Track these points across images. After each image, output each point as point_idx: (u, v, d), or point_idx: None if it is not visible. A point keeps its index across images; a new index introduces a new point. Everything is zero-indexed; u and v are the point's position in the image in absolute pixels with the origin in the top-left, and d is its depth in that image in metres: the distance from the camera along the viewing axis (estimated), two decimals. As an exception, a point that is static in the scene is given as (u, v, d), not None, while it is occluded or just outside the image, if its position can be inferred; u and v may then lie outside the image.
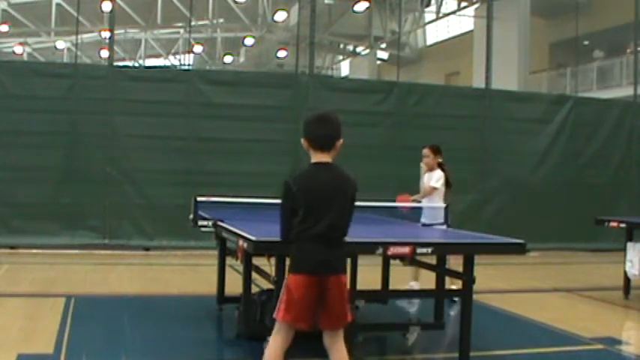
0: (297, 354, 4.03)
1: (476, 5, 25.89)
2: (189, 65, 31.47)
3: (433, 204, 6.94)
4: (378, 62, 35.29)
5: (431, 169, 7.25)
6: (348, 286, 3.68)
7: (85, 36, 28.56)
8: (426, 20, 30.77)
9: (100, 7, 24.66)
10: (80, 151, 10.30)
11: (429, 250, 4.45)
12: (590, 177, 12.29)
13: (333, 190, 3.55)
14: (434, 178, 7.14)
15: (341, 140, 3.61)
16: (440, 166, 7.24)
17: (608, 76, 21.96)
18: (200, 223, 5.61)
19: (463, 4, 26.95)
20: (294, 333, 3.60)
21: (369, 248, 4.28)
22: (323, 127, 3.62)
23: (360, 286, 6.31)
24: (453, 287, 6.05)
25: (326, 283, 3.50)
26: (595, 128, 12.44)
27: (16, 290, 7.22)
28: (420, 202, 7.16)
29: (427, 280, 5.64)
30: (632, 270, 7.40)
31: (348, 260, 6.44)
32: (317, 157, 3.62)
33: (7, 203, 10.06)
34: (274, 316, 3.60)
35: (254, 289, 5.19)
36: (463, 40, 29.80)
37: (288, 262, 3.69)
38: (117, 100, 10.36)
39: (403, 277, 7.09)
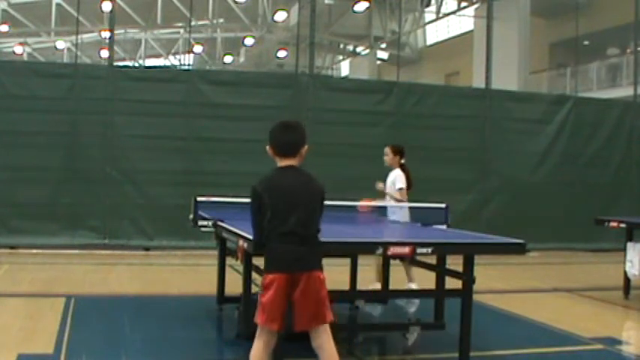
0: (294, 354, 4.03)
1: (476, 5, 25.88)
2: (189, 65, 31.45)
3: (399, 204, 7.22)
4: (378, 62, 35.28)
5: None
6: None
7: (85, 36, 28.55)
8: (426, 20, 30.77)
9: (100, 7, 24.64)
10: (80, 151, 10.31)
11: (429, 250, 4.45)
12: (590, 177, 12.29)
13: (298, 188, 3.62)
14: (398, 181, 7.34)
15: (306, 147, 3.69)
16: (401, 166, 7.46)
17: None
18: (200, 223, 5.62)
19: (463, 4, 26.94)
20: (276, 336, 3.59)
21: (369, 248, 4.28)
22: (286, 135, 3.70)
23: (359, 287, 6.32)
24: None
25: (297, 280, 3.50)
26: (595, 128, 12.44)
27: (16, 290, 7.22)
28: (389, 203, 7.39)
29: (427, 280, 5.64)
30: (632, 270, 7.40)
31: (349, 260, 6.49)
32: (282, 163, 3.70)
33: (7, 203, 10.07)
34: (254, 320, 3.58)
35: (254, 289, 5.19)
36: (463, 40, 29.79)
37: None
38: (117, 100, 10.37)
39: (403, 277, 7.09)
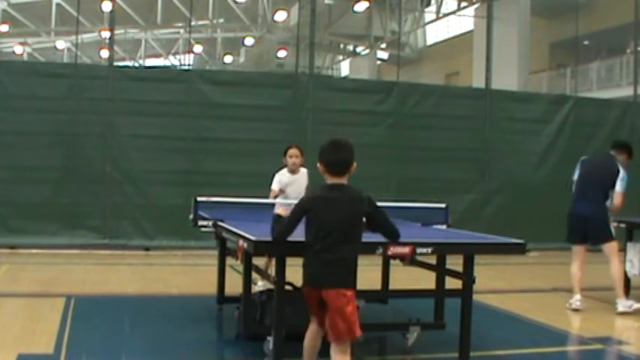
0: (295, 354, 4.04)
1: (476, 5, 25.87)
2: (189, 65, 31.45)
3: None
4: (378, 62, 35.29)
5: (293, 172, 7.07)
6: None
7: (85, 36, 28.55)
8: (426, 20, 30.77)
9: (100, 7, 24.65)
10: (80, 151, 10.30)
11: (429, 250, 4.46)
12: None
13: (341, 209, 3.73)
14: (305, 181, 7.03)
15: (355, 165, 3.82)
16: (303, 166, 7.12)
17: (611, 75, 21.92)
18: (200, 223, 5.62)
19: (463, 4, 26.94)
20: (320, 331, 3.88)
21: (369, 248, 4.27)
22: (338, 154, 3.83)
23: (359, 286, 6.32)
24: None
25: (324, 294, 3.70)
26: (595, 128, 12.43)
27: (16, 290, 7.23)
28: None
29: (427, 280, 5.64)
30: (632, 270, 7.39)
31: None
32: (332, 180, 3.81)
33: (7, 203, 10.06)
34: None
35: (254, 289, 5.19)
36: (463, 40, 29.78)
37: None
38: (117, 100, 10.36)
39: (404, 277, 7.08)
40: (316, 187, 3.98)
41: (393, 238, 4.06)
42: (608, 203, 6.93)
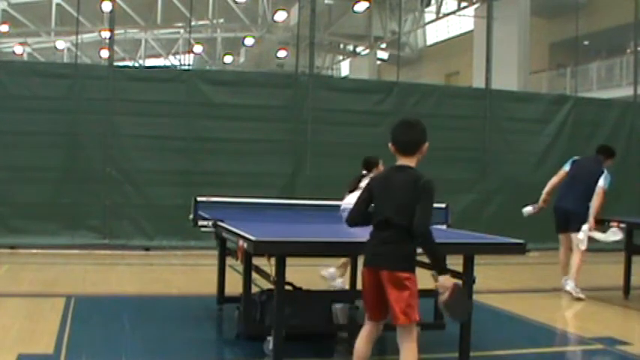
0: (295, 354, 4.03)
1: (476, 5, 25.86)
2: (189, 65, 31.44)
3: None
4: (378, 62, 35.28)
5: None
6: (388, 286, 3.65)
7: (85, 36, 28.51)
8: (426, 20, 30.74)
9: (100, 7, 24.63)
10: (80, 151, 10.31)
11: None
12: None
13: (396, 188, 3.70)
14: None
15: (426, 144, 3.83)
16: None
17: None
18: (200, 223, 5.62)
19: (463, 4, 26.92)
20: (377, 325, 3.77)
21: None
22: (407, 134, 3.83)
23: (360, 286, 6.32)
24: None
25: (379, 276, 3.64)
26: (595, 128, 12.42)
27: (16, 290, 7.22)
28: None
29: (427, 280, 5.63)
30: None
31: (349, 260, 6.49)
32: (400, 161, 3.81)
33: (7, 203, 10.06)
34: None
35: (254, 289, 5.19)
36: (463, 40, 29.77)
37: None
38: (117, 100, 10.36)
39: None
40: (386, 167, 4.01)
41: (418, 232, 3.61)
42: (591, 202, 7.70)
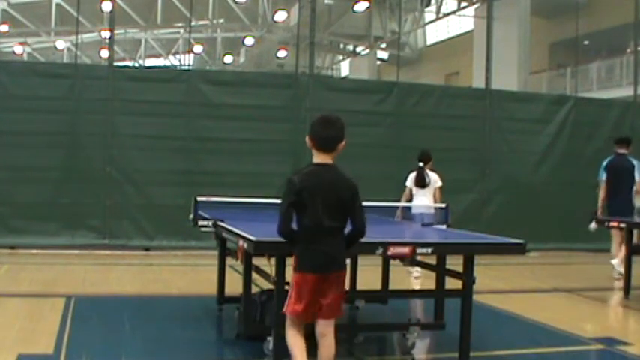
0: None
1: (476, 5, 25.88)
2: (189, 65, 31.46)
3: None
4: (378, 62, 35.30)
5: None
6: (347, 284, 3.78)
7: (85, 36, 28.54)
8: (426, 20, 30.77)
9: (100, 7, 24.66)
10: (80, 151, 10.30)
11: (429, 250, 4.45)
12: (590, 177, 12.25)
13: (331, 190, 3.69)
14: None
15: (344, 142, 3.76)
16: None
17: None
18: (200, 223, 5.62)
19: (463, 4, 26.94)
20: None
21: (369, 248, 4.27)
22: (327, 130, 3.77)
23: (359, 287, 6.32)
24: None
25: (326, 279, 3.70)
26: (595, 128, 12.42)
27: (16, 290, 7.22)
28: None
29: (427, 280, 5.64)
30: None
31: (349, 260, 6.48)
32: (319, 158, 3.77)
33: (7, 203, 10.05)
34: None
35: (254, 289, 5.19)
36: (463, 40, 29.80)
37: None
38: (117, 100, 10.36)
39: (404, 277, 7.09)
40: (302, 167, 3.92)
41: (362, 231, 3.78)
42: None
